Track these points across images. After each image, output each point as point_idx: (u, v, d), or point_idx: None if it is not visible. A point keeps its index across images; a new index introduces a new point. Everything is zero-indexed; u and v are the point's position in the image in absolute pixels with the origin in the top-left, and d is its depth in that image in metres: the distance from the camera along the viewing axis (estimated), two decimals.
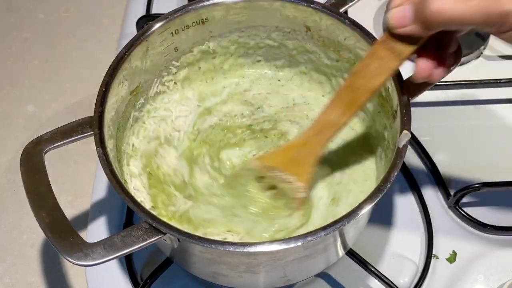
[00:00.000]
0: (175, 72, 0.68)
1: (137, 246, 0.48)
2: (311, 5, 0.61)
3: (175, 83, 0.68)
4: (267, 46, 0.69)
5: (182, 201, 0.62)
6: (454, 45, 0.50)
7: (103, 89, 0.56)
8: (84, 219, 0.71)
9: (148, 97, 0.66)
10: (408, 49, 0.48)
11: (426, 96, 0.75)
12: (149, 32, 0.60)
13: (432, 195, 0.70)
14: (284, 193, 0.58)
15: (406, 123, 0.53)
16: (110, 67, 0.58)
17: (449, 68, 0.50)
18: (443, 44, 0.49)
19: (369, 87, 0.52)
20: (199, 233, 0.58)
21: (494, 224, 0.66)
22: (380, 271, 0.62)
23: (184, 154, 0.66)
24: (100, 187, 0.72)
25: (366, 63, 0.51)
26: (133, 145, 0.64)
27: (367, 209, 0.48)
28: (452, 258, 0.65)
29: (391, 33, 0.48)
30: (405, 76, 0.56)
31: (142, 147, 0.65)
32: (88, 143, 0.76)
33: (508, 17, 0.41)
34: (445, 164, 0.72)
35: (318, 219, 0.60)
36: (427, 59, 0.48)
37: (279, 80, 0.71)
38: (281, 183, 0.58)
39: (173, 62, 0.66)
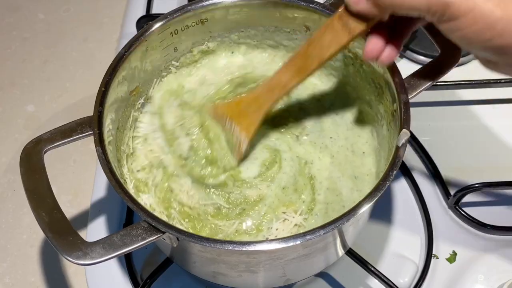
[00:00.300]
0: (175, 73, 0.68)
1: (136, 245, 0.48)
2: (311, 5, 0.61)
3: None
4: (267, 46, 0.69)
5: (229, 224, 0.60)
6: (406, 35, 0.52)
7: (103, 89, 0.56)
8: (84, 219, 0.71)
9: (148, 98, 0.66)
10: (359, 26, 0.50)
11: (426, 96, 0.75)
12: (148, 32, 0.60)
13: (432, 195, 0.70)
14: (229, 142, 0.63)
15: (405, 122, 0.53)
16: (110, 67, 0.58)
17: (398, 52, 0.52)
18: (396, 32, 0.51)
19: (320, 57, 0.54)
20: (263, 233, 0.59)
21: (494, 224, 0.66)
22: (380, 271, 0.62)
23: (196, 183, 0.63)
24: (100, 187, 0.72)
25: (321, 34, 0.53)
26: (137, 177, 0.63)
27: (366, 208, 0.48)
28: (452, 258, 0.65)
29: (347, 10, 0.50)
30: (404, 76, 0.56)
31: (149, 181, 0.63)
32: (87, 143, 0.76)
33: (448, 7, 0.42)
34: (445, 164, 0.72)
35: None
36: (376, 40, 0.50)
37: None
38: (228, 132, 0.63)
39: (173, 62, 0.66)
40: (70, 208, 0.77)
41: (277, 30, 0.66)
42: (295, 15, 0.63)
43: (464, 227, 0.68)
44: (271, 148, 0.64)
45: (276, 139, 0.65)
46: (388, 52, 0.51)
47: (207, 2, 0.62)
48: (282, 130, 0.66)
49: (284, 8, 0.63)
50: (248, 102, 0.61)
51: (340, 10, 0.50)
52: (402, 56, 0.83)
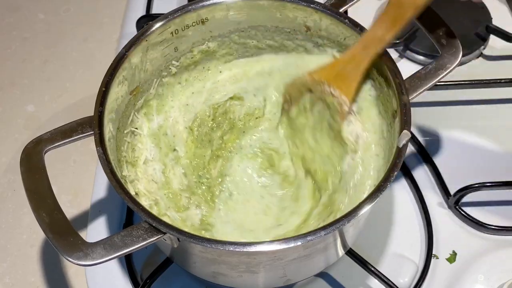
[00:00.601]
0: (175, 73, 0.68)
1: (137, 246, 0.48)
2: (311, 5, 0.61)
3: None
4: (267, 46, 0.69)
5: None
6: None
7: (103, 89, 0.56)
8: (84, 219, 0.71)
9: (148, 96, 0.66)
10: None
11: (426, 96, 0.75)
12: (149, 32, 0.60)
13: (432, 195, 0.70)
14: (329, 107, 0.61)
15: (406, 123, 0.53)
16: (110, 67, 0.58)
17: None
18: None
19: (415, 2, 0.53)
20: None
21: (494, 224, 0.66)
22: (380, 271, 0.62)
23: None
24: (100, 187, 0.72)
25: None
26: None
27: (367, 208, 0.48)
28: (452, 258, 0.65)
29: None
30: (405, 76, 0.56)
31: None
32: (88, 143, 0.76)
33: None
34: (445, 164, 0.72)
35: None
36: None
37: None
38: (327, 97, 0.61)
39: (173, 62, 0.66)
40: (70, 208, 0.77)
41: (278, 30, 0.66)
42: (296, 15, 0.63)
43: (464, 227, 0.68)
44: (265, 151, 0.69)
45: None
46: None
47: (208, 2, 0.62)
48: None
49: (285, 8, 0.63)
50: (344, 63, 0.60)
51: None
52: (402, 56, 0.83)
